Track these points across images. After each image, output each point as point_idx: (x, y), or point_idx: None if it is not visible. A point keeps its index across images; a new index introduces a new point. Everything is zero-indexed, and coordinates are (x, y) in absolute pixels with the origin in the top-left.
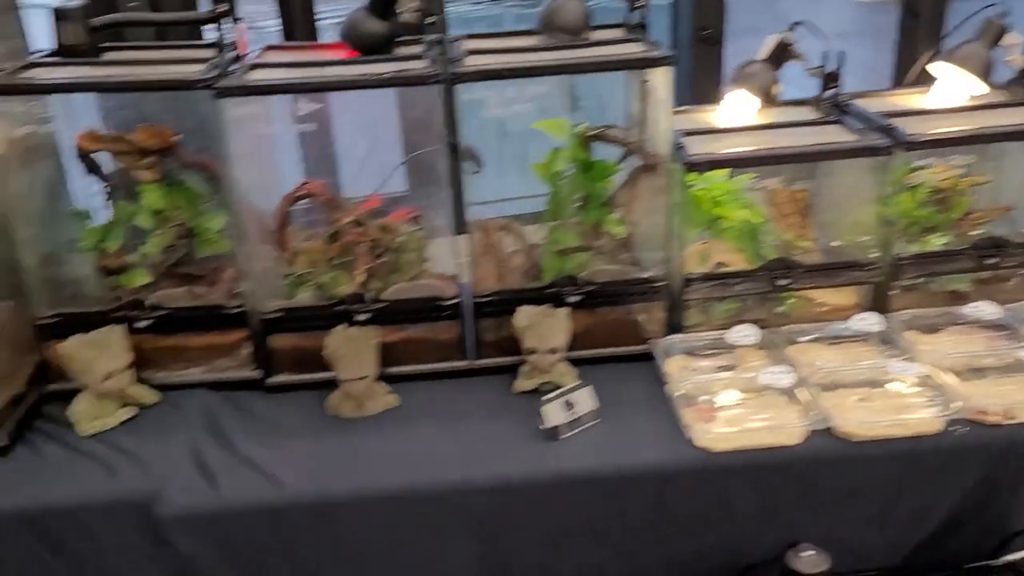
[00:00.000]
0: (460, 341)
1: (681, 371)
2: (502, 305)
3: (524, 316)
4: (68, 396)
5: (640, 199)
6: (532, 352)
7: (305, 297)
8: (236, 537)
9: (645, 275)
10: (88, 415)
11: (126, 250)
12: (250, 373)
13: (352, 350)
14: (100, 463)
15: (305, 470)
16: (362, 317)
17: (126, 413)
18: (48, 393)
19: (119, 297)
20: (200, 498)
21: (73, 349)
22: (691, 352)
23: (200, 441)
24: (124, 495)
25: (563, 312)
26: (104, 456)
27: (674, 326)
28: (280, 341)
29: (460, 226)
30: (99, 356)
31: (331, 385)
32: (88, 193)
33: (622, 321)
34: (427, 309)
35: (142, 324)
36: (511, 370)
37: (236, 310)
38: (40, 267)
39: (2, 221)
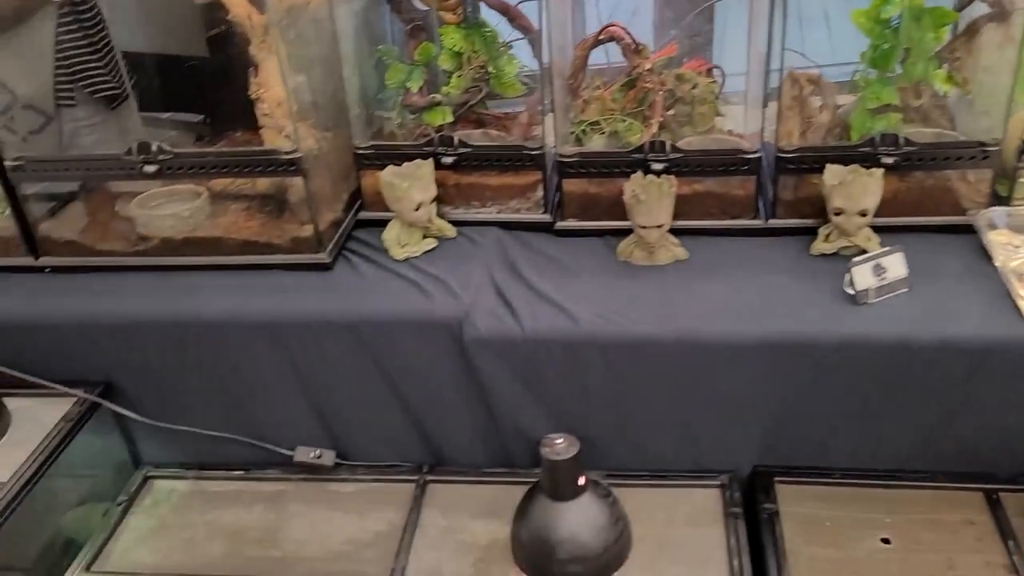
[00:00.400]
0: (754, 198)
1: (1005, 246)
2: (806, 163)
3: (834, 174)
4: (375, 224)
5: (977, 54)
6: (839, 213)
7: (597, 144)
8: (532, 365)
9: (977, 139)
10: (398, 241)
11: (428, 90)
12: (540, 216)
13: (651, 197)
14: (413, 284)
15: (599, 309)
16: (658, 166)
17: (428, 244)
18: (360, 221)
19: (425, 133)
20: (502, 325)
21: (391, 177)
22: (1019, 227)
23: (497, 274)
24: (435, 314)
25: (878, 173)
26: (416, 279)
27: (999, 197)
28: (572, 186)
29: (770, 79)
30: (412, 187)
31: (617, 233)
32: (393, 33)
33: (939, 187)
34: (725, 163)
35: (448, 160)
36: (805, 232)
37: (535, 152)
38: (358, 101)
39: (330, 56)
